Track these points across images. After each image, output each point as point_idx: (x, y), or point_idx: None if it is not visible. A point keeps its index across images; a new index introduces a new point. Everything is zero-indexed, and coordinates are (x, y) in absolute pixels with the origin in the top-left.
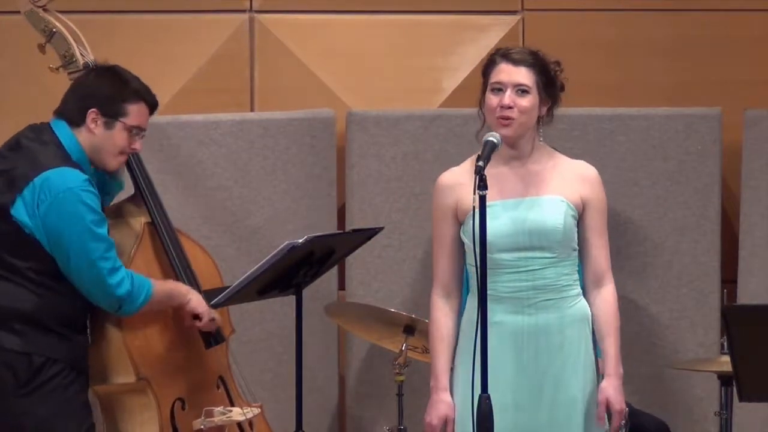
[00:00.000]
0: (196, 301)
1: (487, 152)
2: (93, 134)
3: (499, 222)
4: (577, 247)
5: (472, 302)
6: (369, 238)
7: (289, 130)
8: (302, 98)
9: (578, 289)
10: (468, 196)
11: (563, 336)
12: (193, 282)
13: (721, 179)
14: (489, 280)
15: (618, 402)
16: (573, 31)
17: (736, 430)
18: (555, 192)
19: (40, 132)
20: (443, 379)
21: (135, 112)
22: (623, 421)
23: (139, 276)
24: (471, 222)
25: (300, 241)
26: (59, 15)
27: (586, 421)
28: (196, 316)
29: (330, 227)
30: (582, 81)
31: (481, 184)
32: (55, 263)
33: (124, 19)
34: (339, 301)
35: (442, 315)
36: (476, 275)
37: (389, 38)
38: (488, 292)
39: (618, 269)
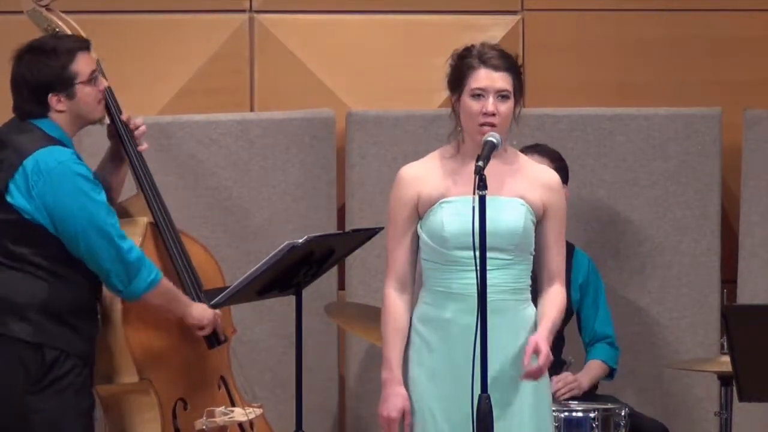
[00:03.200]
0: (196, 312)
1: (487, 152)
2: (63, 112)
3: (458, 219)
4: (533, 252)
5: (423, 297)
6: (369, 238)
7: (289, 130)
8: (302, 98)
9: (529, 294)
10: (429, 190)
11: (513, 338)
12: (194, 282)
13: (721, 179)
14: (443, 276)
15: (545, 345)
16: (573, 31)
17: (736, 430)
18: (517, 194)
19: (17, 124)
20: (397, 371)
21: (80, 66)
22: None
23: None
24: (433, 217)
25: (300, 241)
26: (62, 14)
27: (539, 424)
28: (201, 327)
29: (330, 227)
30: (582, 81)
31: (481, 184)
32: (62, 248)
33: (124, 19)
34: (339, 301)
35: (396, 307)
36: (476, 273)
37: (389, 38)
38: (440, 288)
39: (618, 269)
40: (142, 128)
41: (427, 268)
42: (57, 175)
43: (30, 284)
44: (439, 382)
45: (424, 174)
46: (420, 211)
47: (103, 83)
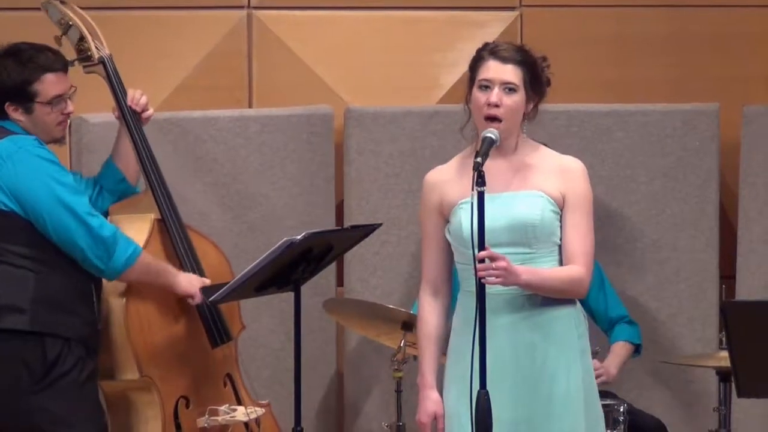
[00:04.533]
0: (185, 282)
1: (485, 148)
2: (21, 121)
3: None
4: (559, 243)
5: (461, 300)
6: (367, 235)
7: (287, 127)
8: (300, 94)
9: None
10: (451, 192)
11: (542, 332)
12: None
13: (719, 175)
14: (470, 276)
15: (503, 259)
16: (571, 27)
17: (735, 425)
18: (534, 187)
19: None
20: (429, 376)
21: (45, 86)
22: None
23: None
24: (454, 219)
25: (298, 237)
26: (77, 9)
27: (576, 416)
28: (189, 296)
29: (328, 223)
30: (580, 77)
31: (480, 180)
32: (44, 236)
33: (123, 15)
34: (337, 297)
35: (429, 313)
36: (474, 273)
37: (387, 34)
38: (468, 289)
39: (616, 265)
40: (143, 100)
41: (458, 270)
42: (18, 160)
43: (16, 276)
44: (467, 383)
45: (446, 177)
46: (445, 214)
47: (69, 108)
